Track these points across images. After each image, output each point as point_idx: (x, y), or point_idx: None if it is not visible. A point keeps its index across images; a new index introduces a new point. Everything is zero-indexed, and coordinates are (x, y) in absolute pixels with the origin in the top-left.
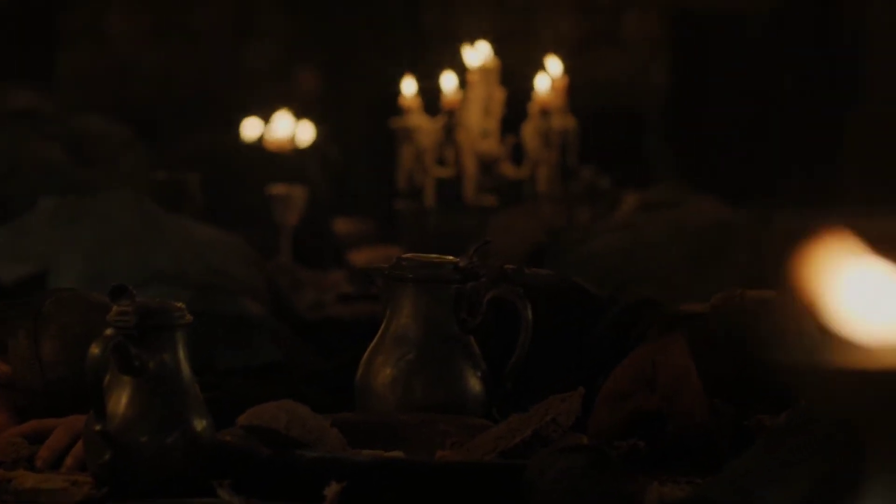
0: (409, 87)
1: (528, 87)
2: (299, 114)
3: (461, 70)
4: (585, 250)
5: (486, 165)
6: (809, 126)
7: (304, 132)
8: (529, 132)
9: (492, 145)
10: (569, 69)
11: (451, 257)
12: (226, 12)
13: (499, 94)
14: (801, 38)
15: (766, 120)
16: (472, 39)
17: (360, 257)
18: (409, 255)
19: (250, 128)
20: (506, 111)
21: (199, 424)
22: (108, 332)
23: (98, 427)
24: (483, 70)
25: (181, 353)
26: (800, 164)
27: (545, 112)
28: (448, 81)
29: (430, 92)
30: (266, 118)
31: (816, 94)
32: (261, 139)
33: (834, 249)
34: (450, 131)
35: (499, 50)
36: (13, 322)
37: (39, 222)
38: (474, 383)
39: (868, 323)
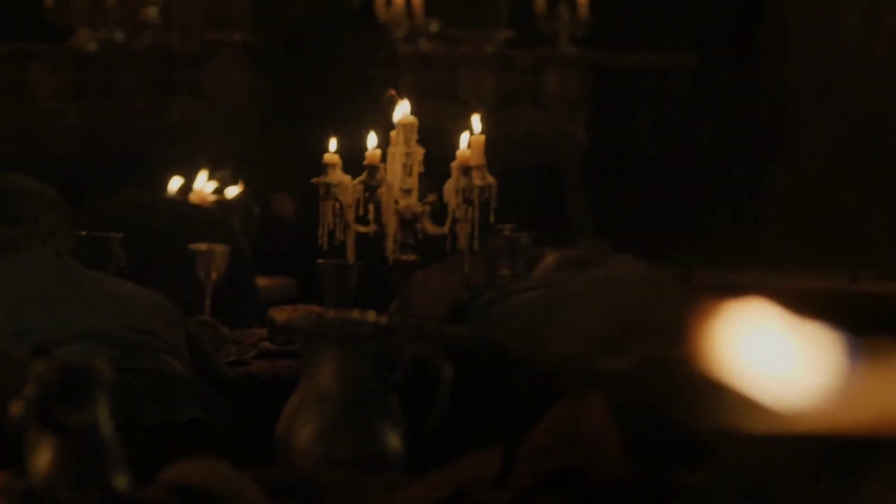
0: (331, 144)
1: (450, 145)
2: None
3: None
4: (505, 307)
5: (407, 222)
6: (731, 182)
7: (227, 189)
8: (450, 189)
9: (412, 202)
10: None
11: (372, 314)
12: (149, 68)
13: (419, 152)
14: (723, 94)
15: (688, 176)
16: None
17: (282, 314)
18: (330, 312)
19: (174, 184)
20: (426, 168)
21: (121, 481)
22: (30, 389)
23: (20, 483)
24: (404, 127)
25: (102, 410)
26: (721, 220)
27: (466, 169)
28: (370, 139)
29: (352, 149)
30: (190, 175)
31: (738, 150)
32: (184, 196)
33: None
34: (371, 188)
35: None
36: None
37: None
38: (394, 440)
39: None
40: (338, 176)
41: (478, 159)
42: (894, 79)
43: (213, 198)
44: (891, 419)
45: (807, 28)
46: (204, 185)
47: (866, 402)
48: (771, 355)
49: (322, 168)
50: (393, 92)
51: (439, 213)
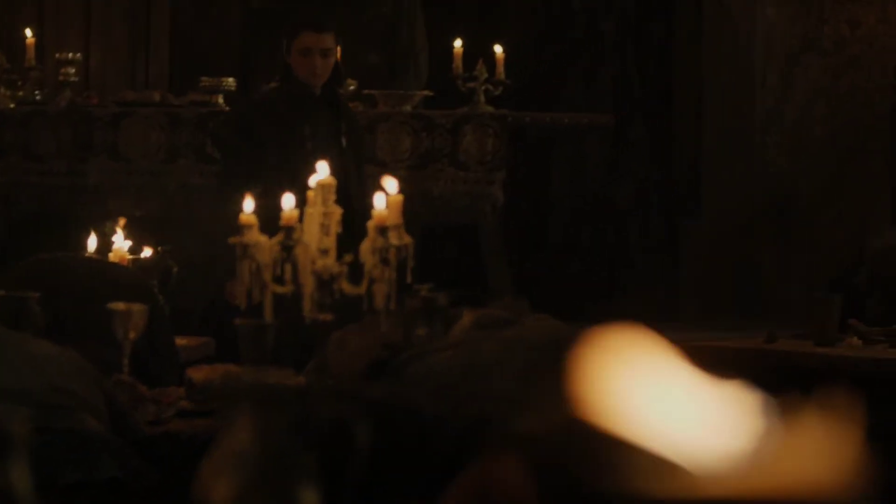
0: (247, 204)
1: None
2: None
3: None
4: (422, 368)
5: (324, 282)
6: (648, 240)
7: (145, 249)
8: (367, 249)
9: (329, 262)
10: (407, 186)
11: (289, 374)
12: (67, 129)
13: (337, 212)
14: (640, 154)
15: (605, 234)
16: None
17: (200, 373)
18: (247, 371)
19: (91, 244)
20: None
21: None
22: None
23: None
24: (321, 187)
25: (19, 471)
26: (638, 279)
27: (383, 229)
28: (286, 199)
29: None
30: (107, 234)
31: (654, 208)
32: (102, 255)
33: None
34: (288, 248)
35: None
36: None
37: None
38: (312, 501)
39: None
40: (255, 236)
41: (395, 219)
42: (808, 139)
43: (130, 257)
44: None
45: (722, 88)
46: (122, 244)
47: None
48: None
49: (239, 228)
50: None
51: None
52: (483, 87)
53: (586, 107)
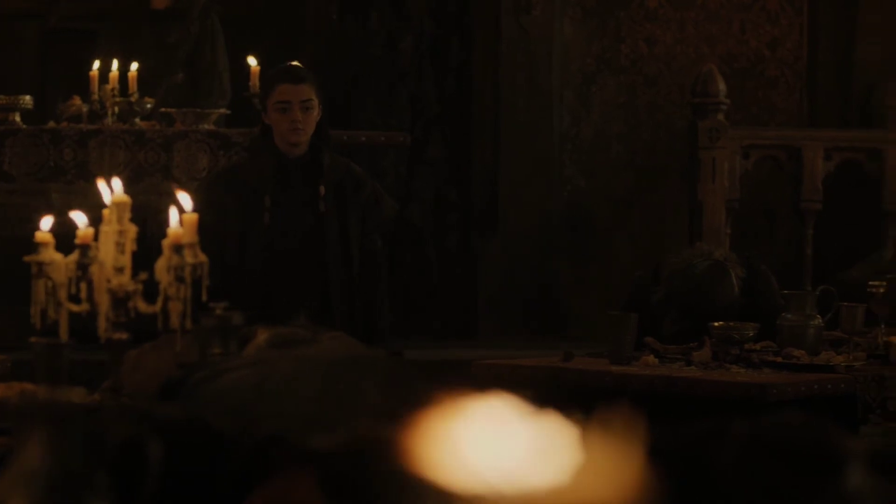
0: (45, 223)
1: (162, 222)
2: None
3: (96, 206)
4: (217, 386)
5: (119, 300)
6: (446, 258)
7: None
8: (162, 267)
9: (125, 280)
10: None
11: (82, 393)
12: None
13: (132, 230)
14: (437, 173)
15: (403, 253)
16: (106, 175)
17: None
18: (41, 390)
19: None
20: (138, 246)
21: None
22: None
23: None
24: (117, 205)
25: None
26: (435, 297)
27: (177, 247)
28: (79, 217)
29: (64, 227)
30: None
31: (452, 227)
32: None
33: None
34: (83, 267)
35: (134, 185)
36: None
37: None
38: None
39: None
40: (50, 254)
41: (190, 237)
42: (604, 158)
43: None
44: (592, 500)
45: (520, 107)
46: None
47: (571, 485)
48: (486, 439)
49: (35, 246)
50: None
51: (151, 290)
52: None
53: (383, 125)
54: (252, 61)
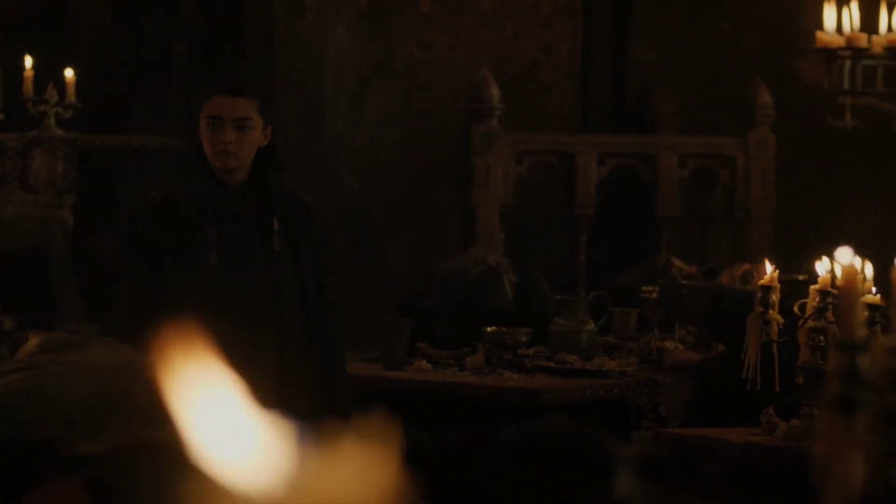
0: None
1: None
2: None
3: None
4: None
5: None
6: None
7: None
8: None
9: None
10: None
11: None
12: None
13: None
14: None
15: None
16: None
17: None
18: None
19: None
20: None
21: None
22: None
23: None
24: None
25: None
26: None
27: None
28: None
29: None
30: None
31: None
32: None
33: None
34: None
35: None
36: None
37: None
38: None
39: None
40: None
41: None
42: (378, 162)
43: None
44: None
45: (294, 112)
46: None
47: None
48: (231, 438)
49: None
50: None
51: None
52: (54, 111)
53: (157, 130)
54: (27, 64)
